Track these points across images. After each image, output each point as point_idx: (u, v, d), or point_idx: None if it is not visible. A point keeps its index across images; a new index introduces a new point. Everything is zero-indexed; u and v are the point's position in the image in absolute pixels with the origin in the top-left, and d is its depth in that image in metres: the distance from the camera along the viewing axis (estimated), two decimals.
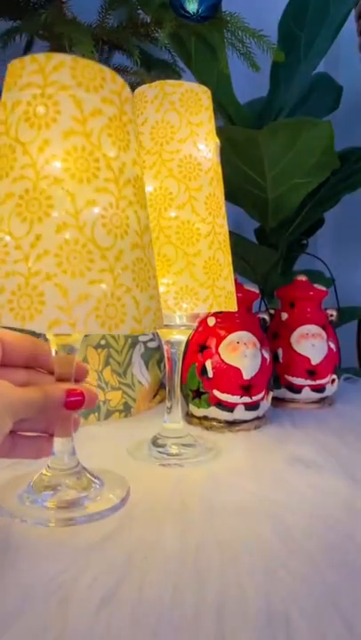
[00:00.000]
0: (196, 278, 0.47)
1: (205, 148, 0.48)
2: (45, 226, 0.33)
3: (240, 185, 0.92)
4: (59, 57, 0.34)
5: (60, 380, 0.39)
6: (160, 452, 0.52)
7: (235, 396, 0.59)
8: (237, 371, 0.59)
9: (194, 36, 0.59)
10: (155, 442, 0.54)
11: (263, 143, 0.80)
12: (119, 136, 0.36)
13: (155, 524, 0.39)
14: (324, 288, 0.71)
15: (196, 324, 0.54)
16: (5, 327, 0.34)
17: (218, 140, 0.50)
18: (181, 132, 0.47)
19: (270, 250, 0.99)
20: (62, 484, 0.40)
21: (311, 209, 1.01)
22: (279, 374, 0.69)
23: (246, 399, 0.59)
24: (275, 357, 0.69)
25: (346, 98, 1.11)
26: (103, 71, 0.35)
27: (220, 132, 0.83)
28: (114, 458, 0.51)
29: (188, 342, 0.63)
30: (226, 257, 0.50)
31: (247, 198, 0.95)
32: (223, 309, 0.49)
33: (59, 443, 0.40)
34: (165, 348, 0.54)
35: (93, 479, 0.41)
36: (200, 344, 0.61)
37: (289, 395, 0.69)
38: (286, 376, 0.69)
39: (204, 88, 0.48)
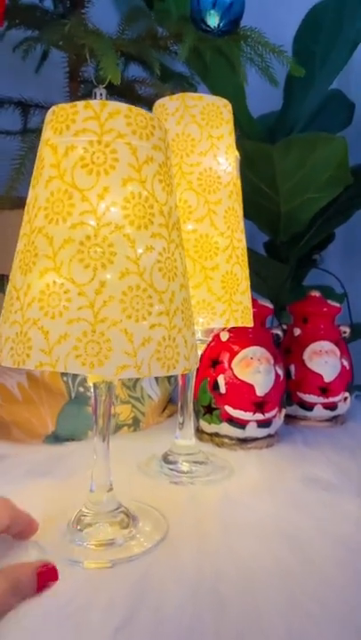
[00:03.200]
0: (213, 292, 0.47)
1: (225, 161, 0.48)
2: (109, 272, 0.33)
3: (252, 198, 0.91)
4: (113, 105, 0.34)
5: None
6: (171, 470, 0.51)
7: (247, 413, 0.58)
8: (250, 387, 0.58)
9: (212, 50, 0.59)
10: (165, 458, 0.53)
11: (277, 158, 0.80)
12: (166, 181, 0.36)
13: (170, 545, 0.38)
14: (337, 304, 0.70)
15: (210, 339, 0.53)
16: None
17: (238, 154, 0.50)
18: (202, 144, 0.47)
19: (281, 264, 0.98)
20: (101, 523, 0.39)
21: (322, 224, 1.00)
22: (291, 391, 0.68)
23: (259, 416, 0.58)
24: (287, 374, 0.68)
25: (358, 115, 1.12)
26: (153, 119, 0.35)
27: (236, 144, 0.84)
28: (124, 474, 0.50)
29: (200, 357, 0.62)
30: (243, 271, 0.49)
31: (259, 211, 0.95)
32: (240, 325, 0.49)
33: (97, 476, 0.40)
34: None
35: (131, 521, 0.40)
36: (212, 359, 0.60)
37: (301, 412, 0.68)
38: (298, 393, 0.68)
39: (225, 101, 0.48)
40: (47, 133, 0.35)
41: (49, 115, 0.35)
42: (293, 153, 0.79)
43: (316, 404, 0.67)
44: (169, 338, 0.34)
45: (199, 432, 0.62)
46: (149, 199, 0.34)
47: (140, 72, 0.71)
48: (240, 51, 0.56)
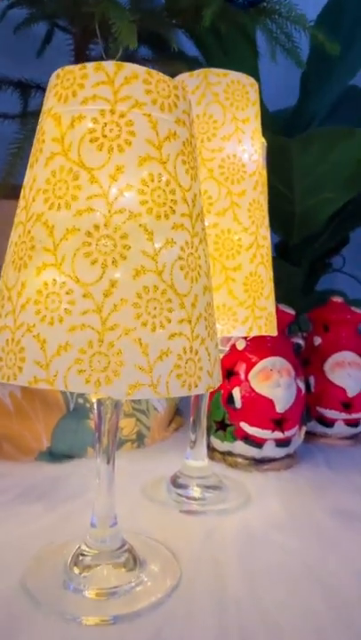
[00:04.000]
0: (234, 296, 0.41)
1: (251, 147, 0.42)
2: (121, 270, 0.27)
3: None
4: (131, 68, 0.28)
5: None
6: (180, 495, 0.45)
7: (265, 431, 0.52)
8: (269, 402, 0.52)
9: (231, 27, 0.53)
10: (175, 481, 0.47)
11: (296, 153, 0.75)
12: (191, 163, 0.30)
13: (184, 595, 0.32)
14: None
15: (227, 348, 0.47)
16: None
17: (265, 141, 0.44)
18: (225, 127, 0.41)
19: (293, 267, 0.93)
20: (102, 565, 0.33)
21: (337, 226, 0.95)
22: (310, 405, 0.62)
23: (278, 434, 0.52)
24: (306, 386, 0.62)
25: None
26: (177, 87, 0.29)
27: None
28: (128, 501, 0.44)
29: None
30: (268, 272, 0.44)
31: (272, 211, 0.89)
32: (263, 333, 0.43)
33: (99, 507, 0.34)
34: None
35: (138, 562, 0.34)
36: (227, 369, 0.54)
37: (320, 428, 0.63)
38: (318, 408, 0.62)
39: (252, 80, 0.42)
40: (50, 101, 0.29)
41: (52, 79, 0.29)
42: (313, 148, 0.74)
43: (337, 420, 0.62)
44: (191, 350, 0.28)
45: (210, 450, 0.56)
46: (171, 183, 0.28)
47: (143, 50, 0.65)
48: (265, 28, 0.51)
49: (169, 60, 0.53)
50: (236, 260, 0.41)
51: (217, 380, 0.31)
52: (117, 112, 0.27)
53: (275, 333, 0.45)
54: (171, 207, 0.28)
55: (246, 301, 0.41)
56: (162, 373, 0.27)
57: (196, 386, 0.29)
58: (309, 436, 0.63)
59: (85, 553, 0.34)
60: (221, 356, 0.47)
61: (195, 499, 0.45)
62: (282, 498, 0.47)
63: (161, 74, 0.29)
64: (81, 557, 0.34)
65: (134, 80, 0.28)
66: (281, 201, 0.85)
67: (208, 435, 0.56)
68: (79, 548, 0.34)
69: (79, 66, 0.28)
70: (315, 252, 0.98)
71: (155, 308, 0.27)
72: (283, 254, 1.02)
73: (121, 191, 0.27)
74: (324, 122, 1.00)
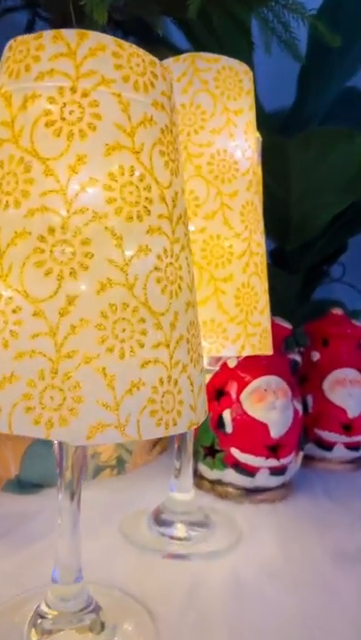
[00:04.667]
0: (224, 310, 0.36)
1: (245, 142, 0.37)
2: (82, 283, 0.22)
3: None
4: (97, 37, 0.23)
5: None
6: (163, 534, 0.40)
7: (258, 458, 0.47)
8: (263, 426, 0.47)
9: (222, 17, 0.48)
10: (157, 517, 0.42)
11: (293, 154, 0.70)
12: (171, 155, 0.25)
13: None
14: None
15: (217, 367, 0.42)
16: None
17: (260, 135, 0.39)
18: (215, 119, 0.36)
19: (289, 275, 0.88)
20: (65, 631, 0.28)
21: (336, 232, 0.90)
22: (307, 427, 0.57)
23: (273, 462, 0.47)
24: (303, 406, 0.57)
25: None
26: (155, 64, 0.24)
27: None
28: (103, 542, 0.39)
29: None
30: (262, 284, 0.39)
31: (267, 214, 0.84)
32: (257, 353, 0.38)
33: (61, 558, 0.28)
34: None
35: (106, 624, 0.29)
36: (217, 389, 0.49)
37: (318, 452, 0.57)
38: (316, 430, 0.57)
39: (246, 67, 0.38)
40: (0, 78, 0.24)
41: (5, 52, 0.24)
42: (312, 149, 0.69)
43: (336, 442, 0.57)
44: (169, 381, 0.23)
45: (198, 477, 0.51)
46: (146, 178, 0.23)
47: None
48: (260, 17, 0.46)
49: (154, 47, 0.48)
50: (227, 270, 0.36)
51: (201, 414, 0.26)
52: (79, 90, 0.22)
53: (270, 352, 0.40)
54: (145, 207, 0.23)
55: (238, 316, 0.36)
56: (132, 411, 0.22)
57: (175, 424, 0.24)
58: (307, 460, 0.58)
59: (45, 614, 0.29)
60: (209, 376, 0.42)
61: (179, 538, 0.40)
62: (276, 537, 0.41)
63: (135, 46, 0.24)
64: (40, 620, 0.29)
65: (101, 52, 0.23)
66: (277, 204, 0.81)
67: (195, 461, 0.51)
68: (39, 607, 0.29)
69: (34, 35, 0.23)
70: (312, 260, 0.93)
71: (123, 331, 0.22)
72: (278, 261, 0.97)
73: (83, 186, 0.22)
74: (322, 123, 0.95)
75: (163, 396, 0.23)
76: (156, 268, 0.23)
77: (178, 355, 0.24)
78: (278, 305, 0.93)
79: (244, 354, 0.37)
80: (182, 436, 0.42)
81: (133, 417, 0.22)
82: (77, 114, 0.22)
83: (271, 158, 0.73)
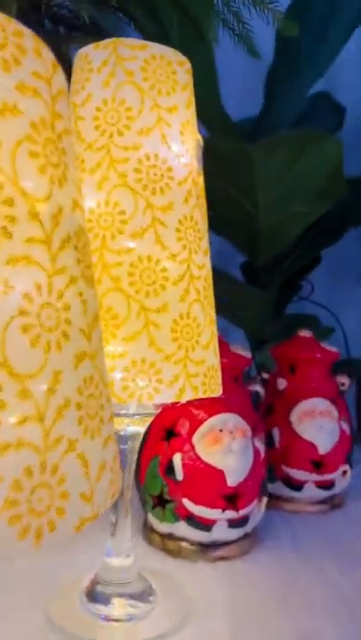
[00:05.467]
0: (158, 347, 0.30)
1: (181, 146, 0.31)
2: None
3: (226, 212, 0.75)
4: None
5: None
6: (97, 614, 0.34)
7: (214, 510, 0.41)
8: (219, 473, 0.40)
9: (174, 8, 0.43)
10: (90, 592, 0.35)
11: (258, 161, 0.65)
12: (52, 158, 0.18)
13: None
14: (334, 349, 0.54)
15: (158, 410, 0.36)
16: None
17: (200, 138, 0.33)
18: (143, 118, 0.30)
19: (260, 290, 0.83)
20: None
21: (309, 244, 0.85)
22: (274, 464, 0.51)
23: (231, 514, 0.41)
24: (269, 440, 0.51)
25: (350, 120, 0.98)
26: (21, 34, 0.18)
27: (204, 141, 0.68)
28: (24, 628, 0.32)
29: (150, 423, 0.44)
30: (207, 313, 0.33)
31: (233, 228, 0.79)
32: (201, 396, 0.32)
33: None
34: None
35: None
36: (166, 428, 0.43)
37: (286, 492, 0.51)
38: (284, 467, 0.51)
39: (182, 57, 0.32)
40: None
41: None
42: (278, 156, 0.64)
43: (306, 481, 0.51)
44: (43, 468, 0.17)
45: (148, 529, 0.44)
46: (5, 188, 0.17)
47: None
48: (210, 5, 0.41)
49: (84, 37, 0.42)
50: (161, 298, 0.30)
51: (105, 501, 0.20)
52: None
53: (218, 393, 0.33)
54: (5, 228, 0.17)
55: (175, 354, 0.30)
56: None
57: (53, 528, 0.17)
58: (274, 500, 0.51)
59: None
60: (152, 418, 0.35)
61: (115, 619, 0.33)
62: (233, 611, 0.35)
63: None
64: None
65: None
66: (244, 217, 0.75)
67: (144, 510, 0.44)
68: None
69: None
70: (285, 273, 0.88)
71: None
72: (249, 276, 0.92)
73: None
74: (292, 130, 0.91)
75: (31, 493, 0.17)
76: (22, 312, 0.17)
77: (59, 429, 0.18)
78: (250, 321, 0.88)
79: (185, 399, 0.31)
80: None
81: None
82: None
83: (236, 167, 0.68)
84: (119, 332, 0.29)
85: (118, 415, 0.34)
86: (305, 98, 0.91)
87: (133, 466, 0.36)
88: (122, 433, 0.35)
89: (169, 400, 0.30)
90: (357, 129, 1.05)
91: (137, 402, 0.29)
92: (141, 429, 0.35)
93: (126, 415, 0.34)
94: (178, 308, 0.30)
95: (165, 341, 0.30)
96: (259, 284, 0.85)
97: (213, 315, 0.34)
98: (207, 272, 0.33)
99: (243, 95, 0.91)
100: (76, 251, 0.19)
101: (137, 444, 0.36)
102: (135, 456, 0.36)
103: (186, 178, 0.31)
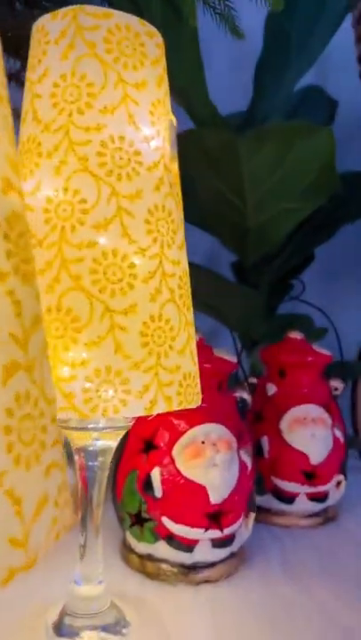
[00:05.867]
0: (125, 354, 0.26)
1: (151, 127, 0.28)
2: None
3: (214, 207, 0.72)
4: None
5: None
6: None
7: (196, 530, 0.37)
8: (201, 489, 0.37)
9: None
10: (57, 625, 0.32)
11: (246, 154, 0.61)
12: None
13: None
14: (327, 352, 0.51)
15: (130, 423, 0.33)
16: None
17: (173, 119, 0.30)
18: (107, 95, 0.27)
19: (251, 290, 0.79)
20: None
21: (300, 241, 0.82)
22: (263, 475, 0.48)
23: (214, 533, 0.37)
24: (257, 449, 0.48)
25: (341, 114, 0.95)
26: None
27: (188, 135, 0.65)
28: None
29: (127, 433, 0.41)
30: (183, 315, 0.29)
31: (222, 225, 0.76)
32: (176, 408, 0.28)
33: None
34: (76, 458, 0.32)
35: None
36: (145, 439, 0.39)
37: (276, 505, 0.48)
38: (274, 479, 0.48)
39: (151, 28, 0.28)
40: None
41: None
42: (266, 149, 0.60)
43: (298, 493, 0.47)
44: None
45: (126, 549, 0.41)
46: None
47: None
48: None
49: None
50: (128, 299, 0.26)
51: (46, 542, 0.17)
52: None
53: (195, 404, 0.30)
54: None
55: (145, 361, 0.27)
56: None
57: None
58: (263, 514, 0.48)
59: None
60: (125, 431, 0.32)
61: None
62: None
63: None
64: None
65: None
66: (232, 213, 0.72)
67: (122, 528, 0.41)
68: None
69: None
70: (276, 272, 0.84)
71: None
72: (239, 275, 0.89)
73: None
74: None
75: None
76: None
77: None
78: (240, 322, 0.84)
79: (156, 411, 0.27)
80: (87, 506, 0.33)
81: None
82: None
83: (223, 161, 0.65)
84: (81, 337, 0.26)
85: (86, 429, 0.31)
86: (295, 91, 0.88)
87: (105, 483, 0.33)
88: (91, 448, 0.31)
89: (138, 413, 0.27)
90: (349, 123, 1.02)
91: (101, 416, 0.26)
92: (113, 444, 0.32)
93: (95, 429, 0.31)
94: (148, 309, 0.27)
95: (134, 347, 0.26)
96: (249, 283, 0.82)
97: (190, 316, 0.31)
98: (183, 269, 0.30)
99: (230, 91, 0.88)
100: (5, 241, 0.16)
101: (108, 459, 0.32)
102: (106, 473, 0.33)
103: (156, 163, 0.28)
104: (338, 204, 0.80)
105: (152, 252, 0.27)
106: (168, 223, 0.28)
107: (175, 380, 0.28)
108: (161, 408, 0.27)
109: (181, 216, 0.30)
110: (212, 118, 0.74)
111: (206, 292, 0.74)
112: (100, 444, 0.32)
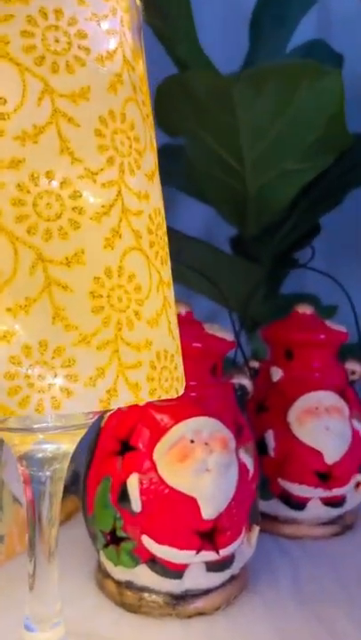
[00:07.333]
0: (69, 323, 0.18)
1: (102, 4, 0.20)
2: None
3: (208, 170, 0.64)
4: None
5: None
6: None
7: (185, 552, 0.29)
8: (191, 502, 0.29)
9: None
10: None
11: (241, 102, 0.53)
12: None
13: None
14: (342, 328, 0.43)
15: (91, 419, 0.25)
16: None
17: (139, 1, 0.22)
18: None
19: (251, 264, 0.71)
20: None
21: (306, 209, 0.73)
22: (269, 477, 0.40)
23: (208, 555, 0.30)
24: (261, 447, 0.40)
25: (347, 70, 0.86)
26: None
27: (174, 79, 0.56)
28: None
29: (99, 429, 0.33)
30: (154, 270, 0.21)
31: (218, 191, 0.67)
32: (146, 400, 0.20)
33: None
34: (19, 467, 0.24)
35: None
36: (120, 439, 0.31)
37: (284, 512, 0.40)
38: (281, 481, 0.40)
39: None
40: None
41: None
42: (266, 93, 0.52)
43: (310, 498, 0.40)
44: None
45: (101, 574, 0.33)
46: None
47: None
48: None
49: None
50: (72, 243, 0.18)
51: None
52: None
53: (176, 394, 0.22)
54: None
55: (99, 333, 0.19)
56: None
57: None
58: (269, 521, 0.40)
59: None
60: (83, 431, 0.24)
61: None
62: None
63: None
64: None
65: None
66: (228, 176, 0.63)
67: (96, 548, 0.33)
68: None
69: None
70: (278, 245, 0.76)
71: None
72: (238, 249, 0.80)
73: None
74: None
75: None
76: None
77: None
78: (239, 301, 0.76)
79: (117, 404, 0.19)
80: (34, 514, 0.25)
81: None
82: None
83: (215, 112, 0.57)
84: (1, 299, 0.18)
85: (31, 431, 0.23)
86: (298, 47, 0.79)
87: (59, 496, 0.25)
88: (38, 455, 0.24)
89: (87, 408, 0.19)
90: (356, 80, 0.93)
91: (33, 413, 0.18)
92: (69, 447, 0.24)
93: (41, 430, 0.23)
94: (102, 259, 0.19)
95: (81, 313, 0.18)
96: (250, 257, 0.73)
97: (167, 274, 0.22)
98: (155, 208, 0.22)
99: (225, 46, 0.79)
100: None
101: (64, 466, 0.25)
102: (61, 483, 0.25)
103: (111, 53, 0.20)
104: (345, 167, 0.72)
105: (106, 178, 0.19)
106: (130, 140, 0.20)
107: (145, 361, 0.20)
108: (124, 400, 0.19)
109: (152, 136, 0.22)
110: (200, 59, 0.65)
111: (201, 266, 0.66)
112: (52, 448, 0.24)
